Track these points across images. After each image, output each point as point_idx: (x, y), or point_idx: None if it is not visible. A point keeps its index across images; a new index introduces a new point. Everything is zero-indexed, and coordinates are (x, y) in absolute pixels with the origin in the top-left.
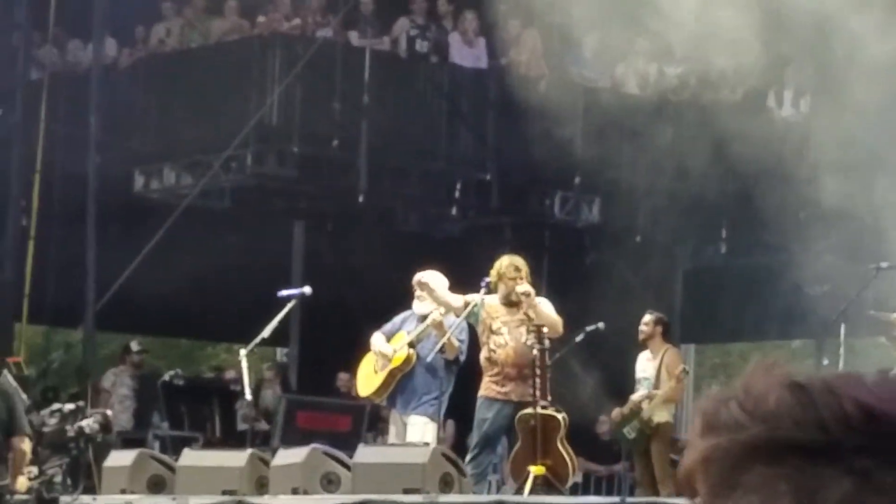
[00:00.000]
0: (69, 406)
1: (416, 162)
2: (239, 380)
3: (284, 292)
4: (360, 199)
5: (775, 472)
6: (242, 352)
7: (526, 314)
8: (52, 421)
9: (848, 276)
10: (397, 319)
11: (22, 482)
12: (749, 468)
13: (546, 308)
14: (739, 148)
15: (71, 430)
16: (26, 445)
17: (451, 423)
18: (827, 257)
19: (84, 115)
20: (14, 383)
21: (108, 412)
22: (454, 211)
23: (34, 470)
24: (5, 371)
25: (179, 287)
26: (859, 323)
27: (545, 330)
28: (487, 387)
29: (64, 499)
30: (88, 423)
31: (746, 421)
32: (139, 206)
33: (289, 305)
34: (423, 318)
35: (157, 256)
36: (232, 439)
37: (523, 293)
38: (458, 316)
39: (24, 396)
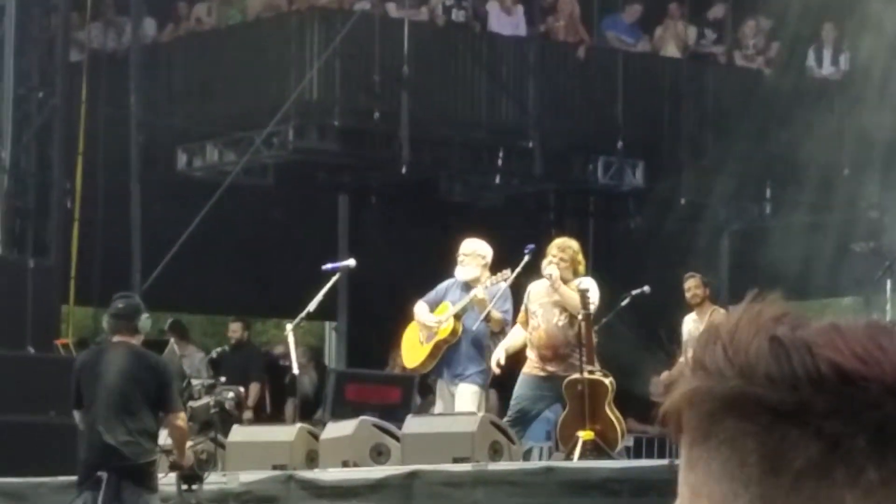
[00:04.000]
0: (208, 381)
1: (458, 132)
2: (287, 355)
3: (329, 265)
4: (403, 170)
5: (745, 427)
6: (289, 326)
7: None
8: (199, 396)
9: (893, 233)
10: (441, 288)
11: (189, 455)
12: (721, 419)
13: (590, 289)
14: (780, 107)
15: (213, 406)
16: (181, 421)
17: (493, 394)
18: (872, 213)
19: (125, 96)
20: (176, 359)
21: (241, 389)
22: (497, 180)
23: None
24: (169, 346)
25: (226, 265)
26: None
27: (588, 292)
28: (528, 364)
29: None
30: (227, 399)
31: (726, 369)
32: (183, 185)
33: (334, 278)
34: (467, 285)
35: (202, 235)
36: (282, 415)
37: (547, 275)
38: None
39: (184, 369)
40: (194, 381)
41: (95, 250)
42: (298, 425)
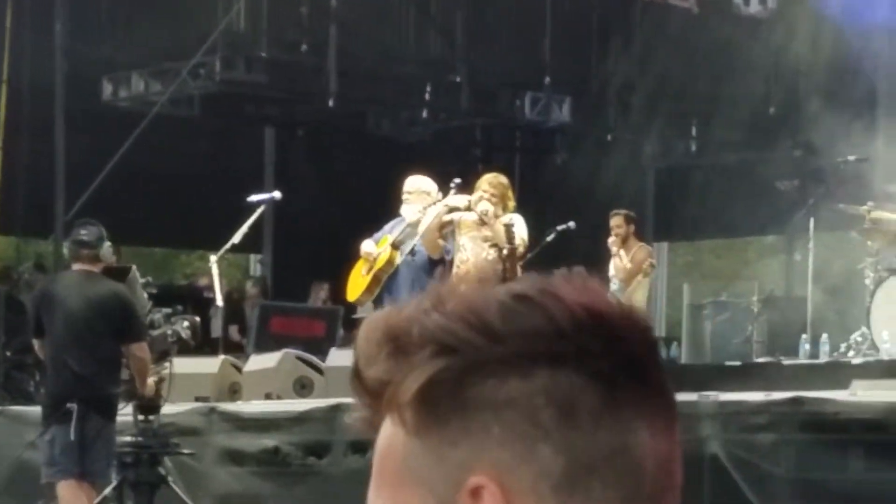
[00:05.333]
0: (165, 310)
1: (387, 65)
2: (211, 287)
3: (254, 197)
4: (331, 103)
5: (530, 387)
6: (213, 258)
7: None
8: (158, 326)
9: (817, 170)
10: (386, 227)
11: (150, 385)
12: (490, 386)
13: (518, 226)
14: (707, 46)
15: (171, 336)
16: (144, 352)
17: None
18: (796, 152)
19: (51, 24)
20: (138, 288)
21: (197, 318)
22: (425, 114)
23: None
24: (132, 274)
25: (151, 196)
26: (829, 217)
27: (514, 228)
28: None
29: None
30: (183, 328)
31: (475, 339)
32: (108, 115)
33: (259, 211)
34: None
35: (127, 165)
36: (206, 346)
37: (482, 212)
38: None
39: (146, 298)
40: (153, 311)
41: (19, 180)
42: (222, 357)
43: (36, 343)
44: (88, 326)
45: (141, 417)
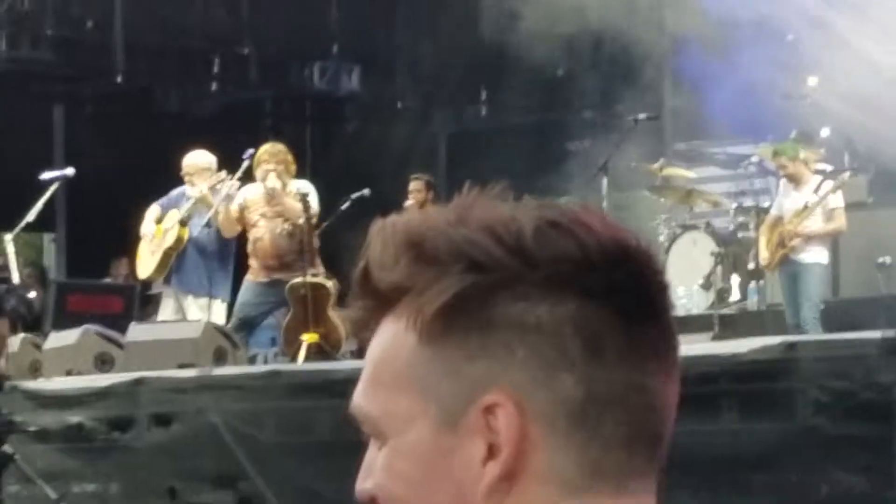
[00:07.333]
0: (10, 285)
1: (173, 40)
2: (6, 266)
3: (47, 174)
4: (118, 79)
5: (559, 314)
6: (7, 237)
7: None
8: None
9: (608, 130)
10: (174, 193)
11: (2, 365)
12: (521, 309)
13: (310, 193)
14: (492, 8)
15: (15, 311)
16: (4, 328)
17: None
18: (586, 113)
19: None
20: None
21: (33, 294)
22: (213, 87)
23: None
24: None
25: None
26: (621, 176)
27: (311, 201)
28: (252, 271)
29: None
30: (22, 305)
31: (506, 258)
32: None
33: (52, 188)
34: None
35: None
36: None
37: (270, 189)
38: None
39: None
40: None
41: None
42: (21, 335)
43: None
44: None
45: None
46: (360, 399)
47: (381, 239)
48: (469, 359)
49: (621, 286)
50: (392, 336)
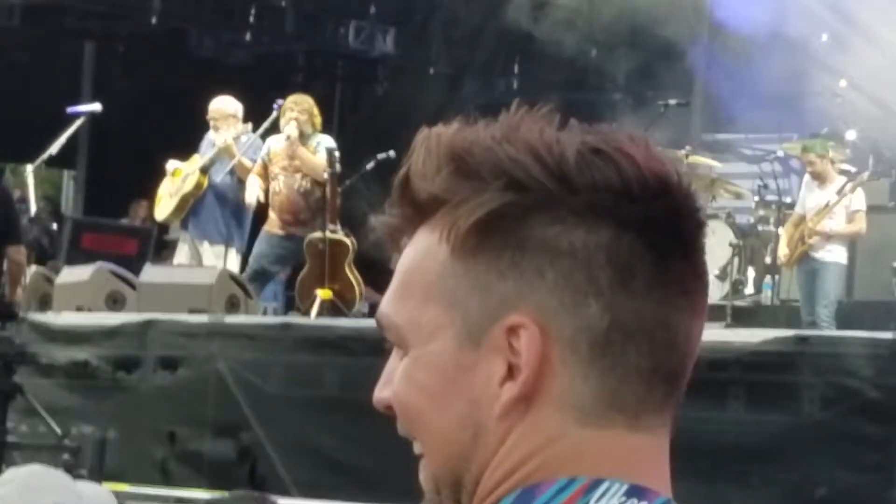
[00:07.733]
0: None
1: None
2: (25, 199)
3: (73, 109)
4: (153, 21)
5: (593, 241)
6: (29, 168)
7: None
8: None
9: (637, 114)
10: (201, 145)
11: (20, 294)
12: (544, 226)
13: (324, 146)
14: None
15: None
16: (22, 256)
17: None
18: (616, 95)
19: None
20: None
21: (53, 225)
22: (248, 37)
23: None
24: (5, 177)
25: None
26: None
27: (335, 152)
28: (269, 222)
29: None
30: (36, 234)
31: (547, 180)
32: None
33: (77, 123)
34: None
35: None
36: None
37: (287, 136)
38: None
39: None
40: None
41: None
42: (33, 268)
43: None
44: None
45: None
46: (388, 307)
47: (425, 148)
48: (499, 276)
49: (657, 220)
50: (425, 247)
